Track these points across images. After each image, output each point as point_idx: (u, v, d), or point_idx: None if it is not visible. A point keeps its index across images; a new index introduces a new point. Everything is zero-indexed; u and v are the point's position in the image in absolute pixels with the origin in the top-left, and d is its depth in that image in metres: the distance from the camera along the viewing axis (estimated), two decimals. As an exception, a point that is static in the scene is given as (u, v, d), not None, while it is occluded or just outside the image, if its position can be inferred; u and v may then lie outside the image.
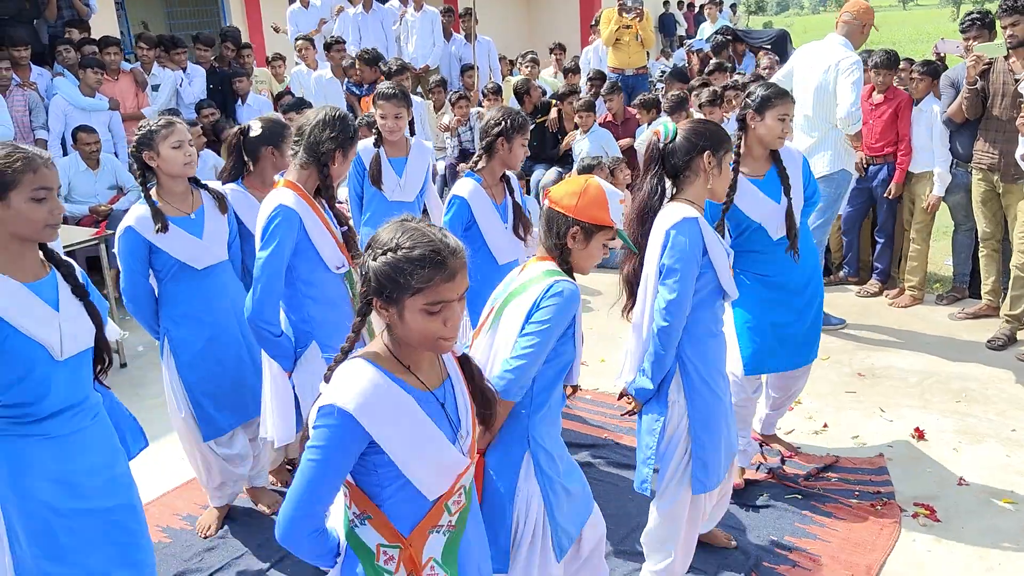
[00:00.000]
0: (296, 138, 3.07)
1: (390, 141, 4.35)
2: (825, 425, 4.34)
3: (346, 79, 8.49)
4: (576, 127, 7.80)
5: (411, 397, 1.81)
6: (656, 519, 2.99)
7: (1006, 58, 5.07)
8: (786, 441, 4.15)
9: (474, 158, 3.78)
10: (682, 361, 2.82)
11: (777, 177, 3.52)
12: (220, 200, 3.46)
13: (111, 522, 2.42)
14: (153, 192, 3.32)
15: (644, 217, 2.87)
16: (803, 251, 3.56)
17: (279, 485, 3.99)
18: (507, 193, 3.77)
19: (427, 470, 1.83)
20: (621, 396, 2.97)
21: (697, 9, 18.74)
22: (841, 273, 6.43)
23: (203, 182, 3.48)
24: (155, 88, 7.62)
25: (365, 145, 4.35)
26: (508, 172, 3.79)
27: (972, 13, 5.65)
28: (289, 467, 4.04)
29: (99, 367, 2.46)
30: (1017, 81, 4.97)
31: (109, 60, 7.32)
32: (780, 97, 3.49)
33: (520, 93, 8.66)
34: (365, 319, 1.88)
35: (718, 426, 2.87)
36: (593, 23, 10.29)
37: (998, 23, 5.26)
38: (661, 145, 2.88)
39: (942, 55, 6.10)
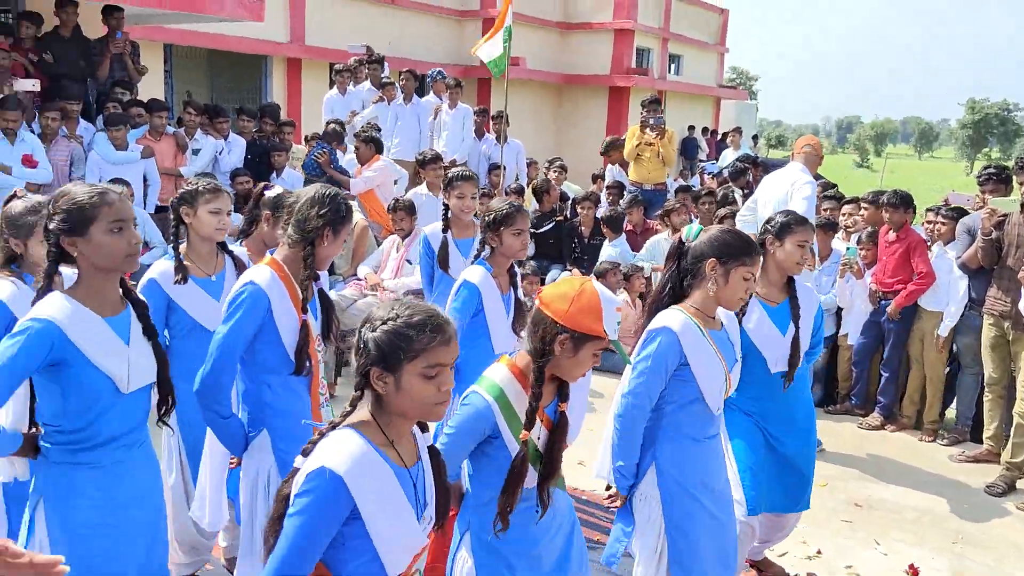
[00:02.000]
0: (287, 216, 2.96)
1: (460, 222, 4.47)
2: (819, 552, 4.31)
3: (308, 156, 8.58)
4: (594, 230, 8.08)
5: (391, 471, 1.88)
6: None
7: (1022, 211, 5.27)
8: (778, 565, 4.11)
9: (476, 246, 3.91)
10: (658, 461, 2.85)
11: (789, 308, 3.55)
12: (241, 268, 3.53)
13: (142, 550, 2.49)
14: (181, 248, 3.43)
15: (652, 312, 2.94)
16: (799, 396, 3.61)
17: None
18: (511, 287, 3.83)
19: (395, 545, 1.88)
20: (608, 488, 3.00)
21: (720, 136, 19.33)
22: (848, 403, 6.47)
23: (230, 248, 3.58)
24: (195, 152, 7.88)
25: (434, 229, 4.52)
26: (515, 267, 3.87)
27: (990, 167, 6.00)
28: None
29: (163, 408, 2.55)
30: None
31: (156, 123, 7.61)
32: (800, 224, 3.56)
33: (539, 192, 8.92)
34: (363, 393, 1.91)
35: (698, 533, 2.83)
36: (603, 151, 10.69)
37: (1014, 178, 5.60)
38: (684, 244, 2.96)
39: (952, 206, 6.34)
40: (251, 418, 2.95)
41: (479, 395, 2.32)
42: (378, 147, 7.50)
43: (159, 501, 2.62)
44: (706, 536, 2.86)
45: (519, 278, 3.95)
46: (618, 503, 2.95)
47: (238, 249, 3.68)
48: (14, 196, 3.03)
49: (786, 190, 5.61)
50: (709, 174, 11.55)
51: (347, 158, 8.79)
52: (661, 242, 7.65)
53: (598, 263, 7.45)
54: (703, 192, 8.22)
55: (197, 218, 3.39)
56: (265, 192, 3.70)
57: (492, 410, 2.30)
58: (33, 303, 2.35)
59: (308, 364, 2.91)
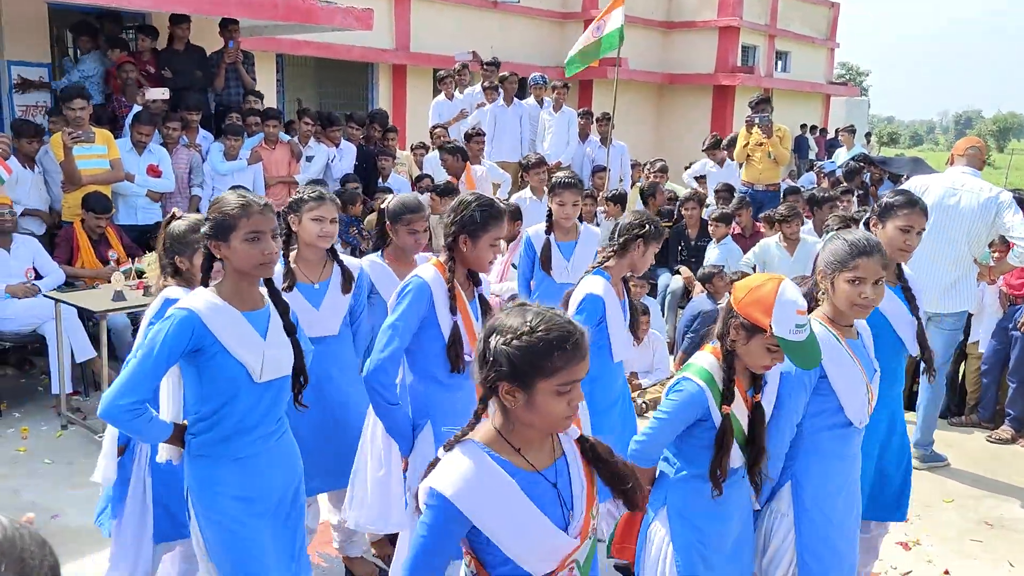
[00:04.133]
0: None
1: (562, 227, 4.48)
2: (946, 572, 4.08)
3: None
4: (700, 232, 7.91)
5: (514, 481, 1.82)
6: None
7: None
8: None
9: (604, 253, 3.77)
10: (796, 479, 2.75)
11: (901, 295, 3.34)
12: (348, 279, 3.59)
13: (280, 540, 2.64)
14: (292, 255, 3.52)
15: None
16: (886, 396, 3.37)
17: (381, 559, 3.96)
18: (626, 295, 3.77)
19: (529, 552, 1.84)
20: None
21: (831, 135, 18.72)
22: (974, 416, 6.12)
23: (341, 258, 3.63)
24: (309, 159, 8.11)
25: (537, 231, 4.53)
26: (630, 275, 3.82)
27: None
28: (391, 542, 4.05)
29: (296, 389, 2.69)
30: None
31: (269, 132, 7.87)
32: (907, 206, 3.33)
33: (645, 196, 8.81)
34: (487, 405, 1.87)
35: (829, 558, 2.73)
36: (709, 146, 10.42)
37: None
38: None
39: None
40: (416, 410, 3.11)
41: (691, 380, 2.48)
42: (464, 156, 7.56)
43: (299, 493, 2.74)
44: (836, 562, 2.76)
45: (629, 282, 3.90)
46: None
47: (350, 259, 3.74)
48: (174, 217, 3.23)
49: (983, 203, 5.00)
50: (828, 173, 11.10)
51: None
52: (772, 247, 7.41)
53: (703, 267, 7.28)
54: (824, 196, 7.82)
55: (302, 226, 3.48)
56: (384, 205, 3.78)
57: (705, 394, 2.48)
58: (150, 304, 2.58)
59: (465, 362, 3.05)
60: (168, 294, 3.06)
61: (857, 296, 2.69)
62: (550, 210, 4.49)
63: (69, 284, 6.05)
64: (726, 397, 2.47)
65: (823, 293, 2.80)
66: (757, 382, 2.57)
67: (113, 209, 6.62)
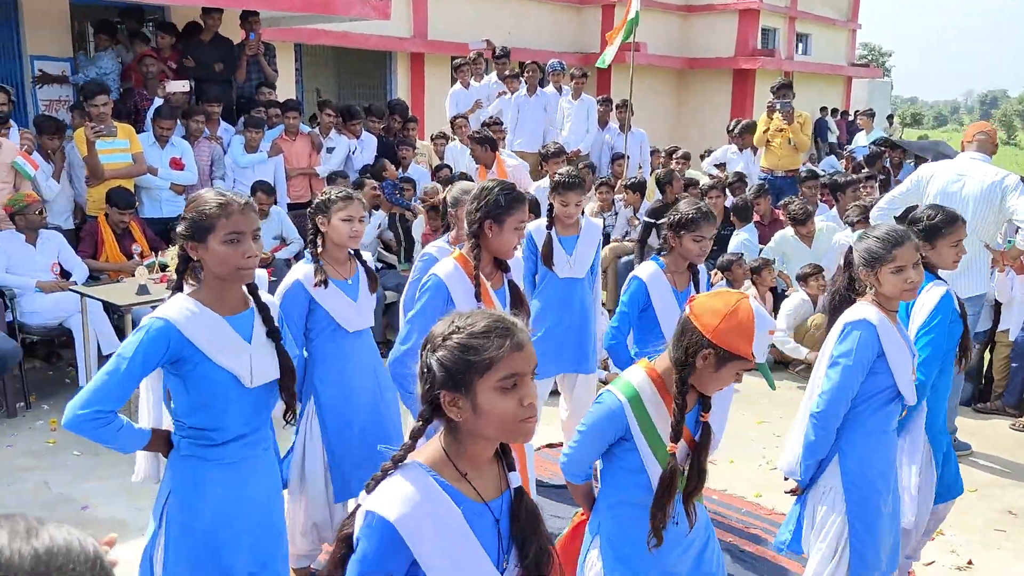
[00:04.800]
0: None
1: (564, 222, 4.44)
2: (970, 562, 4.07)
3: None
4: (725, 220, 7.89)
5: (458, 510, 1.65)
6: None
7: None
8: None
9: (660, 241, 3.87)
10: (843, 452, 2.90)
11: None
12: (372, 279, 3.64)
13: (256, 556, 2.54)
14: (320, 253, 3.54)
15: (835, 312, 3.05)
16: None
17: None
18: (691, 283, 3.75)
19: None
20: (787, 479, 3.09)
21: (852, 117, 18.52)
22: (999, 402, 6.08)
23: (362, 256, 3.67)
24: (329, 151, 8.13)
25: (538, 225, 4.51)
26: (698, 265, 3.79)
27: None
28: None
29: (288, 413, 2.59)
30: None
31: (289, 123, 7.90)
32: (951, 224, 3.38)
33: (662, 184, 8.78)
34: (427, 425, 1.69)
35: (875, 523, 2.88)
36: (736, 133, 10.28)
37: None
38: (850, 250, 3.05)
39: None
40: None
41: (612, 394, 2.28)
42: (492, 146, 7.52)
43: (278, 504, 2.67)
44: (884, 530, 2.90)
45: (703, 275, 3.85)
46: (796, 491, 3.06)
47: (368, 255, 3.80)
48: None
49: (988, 187, 4.98)
50: (848, 155, 10.97)
51: (470, 152, 8.89)
52: (788, 239, 7.38)
53: (723, 255, 7.27)
54: (846, 181, 7.78)
55: (332, 226, 3.48)
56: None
57: (624, 410, 2.26)
58: (164, 302, 2.44)
59: None
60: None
61: (903, 283, 2.86)
62: (551, 205, 4.46)
63: (94, 278, 6.14)
64: (676, 433, 2.21)
65: (870, 288, 2.94)
66: (706, 401, 2.31)
67: (137, 203, 6.69)
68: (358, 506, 1.66)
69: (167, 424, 2.58)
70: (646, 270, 3.71)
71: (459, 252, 3.15)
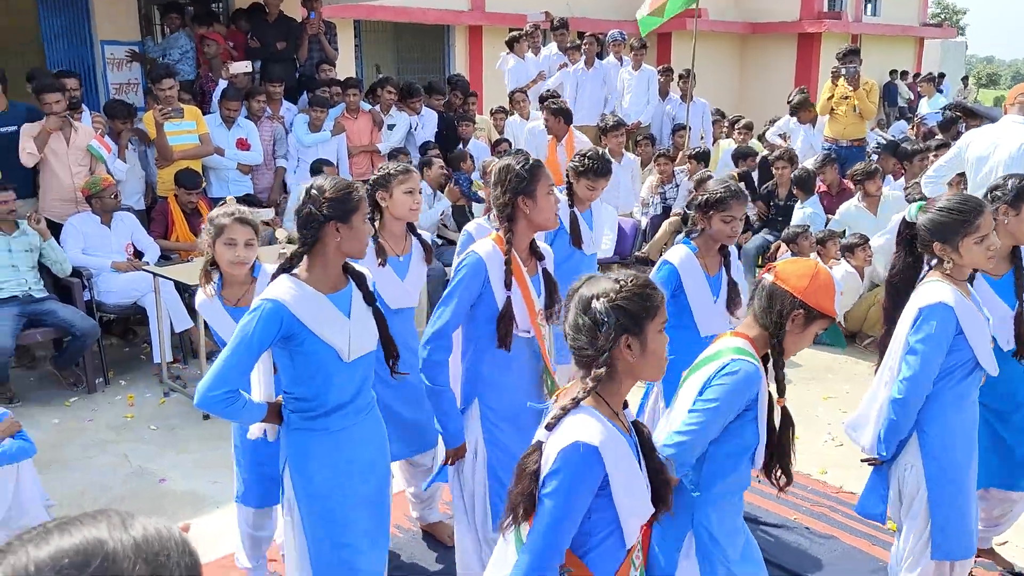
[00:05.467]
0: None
1: (582, 201, 4.35)
2: (1045, 542, 3.97)
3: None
4: (792, 191, 7.73)
5: (625, 440, 1.94)
6: None
7: None
8: (1003, 558, 3.81)
9: (690, 224, 3.72)
10: (921, 429, 2.89)
11: (1013, 279, 3.34)
12: (428, 251, 3.68)
13: (370, 511, 2.75)
14: (377, 230, 3.56)
15: (896, 291, 3.03)
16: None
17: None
18: (722, 267, 3.63)
19: (634, 512, 1.94)
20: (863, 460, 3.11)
21: (923, 78, 17.87)
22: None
23: (417, 231, 3.69)
24: (390, 128, 8.18)
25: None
26: (729, 246, 3.67)
27: None
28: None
29: (391, 360, 2.78)
30: None
31: (349, 100, 7.97)
32: None
33: (735, 157, 8.65)
34: (605, 372, 1.93)
35: (958, 493, 2.87)
36: (792, 107, 9.91)
37: None
38: (911, 227, 2.99)
39: None
40: (465, 387, 3.08)
41: (743, 361, 2.22)
42: (567, 119, 7.44)
43: (385, 467, 2.86)
44: (968, 504, 2.89)
45: (734, 257, 3.73)
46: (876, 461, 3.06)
47: (426, 232, 3.81)
48: (224, 201, 3.38)
49: (1015, 151, 4.91)
50: (919, 121, 10.55)
51: (529, 125, 8.86)
52: (852, 210, 7.20)
53: (788, 227, 7.13)
54: (914, 149, 7.54)
55: (393, 200, 3.50)
56: None
57: (760, 375, 2.25)
58: (272, 278, 2.63)
59: (515, 338, 2.99)
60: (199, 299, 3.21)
61: (986, 251, 2.85)
62: (571, 184, 4.30)
63: (166, 257, 6.32)
64: (781, 389, 2.31)
65: (948, 263, 2.89)
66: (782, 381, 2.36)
67: (203, 183, 6.85)
68: (539, 442, 1.92)
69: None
70: (677, 255, 3.55)
71: (496, 233, 3.07)
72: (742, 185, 4.17)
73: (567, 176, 4.34)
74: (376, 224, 3.55)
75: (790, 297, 2.28)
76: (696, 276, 3.55)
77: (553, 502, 1.85)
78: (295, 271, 2.60)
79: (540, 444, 1.92)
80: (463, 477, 3.11)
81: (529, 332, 3.04)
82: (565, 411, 1.93)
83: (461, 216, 7.51)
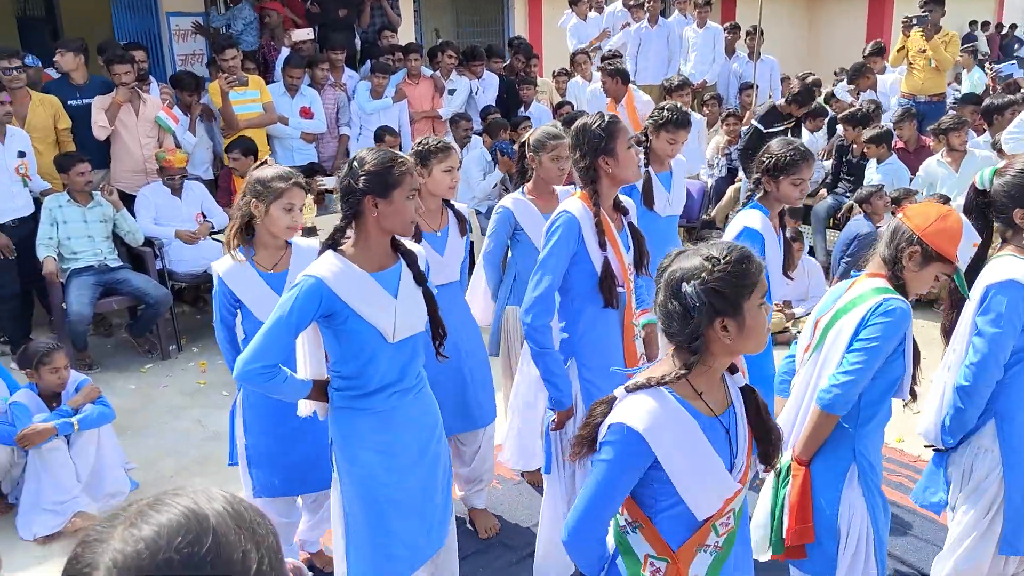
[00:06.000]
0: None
1: (660, 159, 4.26)
2: None
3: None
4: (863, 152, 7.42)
5: (696, 422, 1.88)
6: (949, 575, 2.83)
7: None
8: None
9: (750, 187, 3.58)
10: (1000, 415, 2.66)
11: None
12: (462, 222, 3.61)
13: (421, 492, 2.68)
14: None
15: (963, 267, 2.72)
16: None
17: (532, 485, 4.07)
18: (780, 228, 3.54)
19: (701, 492, 1.89)
20: (926, 447, 2.91)
21: (1005, 30, 17.07)
22: None
23: (452, 203, 3.62)
24: (451, 93, 8.12)
25: None
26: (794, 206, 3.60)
27: None
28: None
29: (437, 341, 2.71)
30: None
31: (411, 66, 7.92)
32: None
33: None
34: (696, 354, 1.87)
35: None
36: (850, 77, 9.44)
37: None
38: (983, 195, 2.75)
39: None
40: (563, 347, 3.06)
41: (896, 299, 2.35)
42: (625, 79, 7.26)
43: (437, 446, 2.77)
44: None
45: (786, 216, 3.65)
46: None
47: (461, 205, 3.72)
48: (264, 163, 3.24)
49: None
50: (1002, 76, 10.01)
51: (591, 87, 8.70)
52: (934, 166, 6.89)
53: (862, 187, 6.87)
54: (1005, 102, 7.12)
55: (432, 178, 3.44)
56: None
57: (910, 314, 2.36)
58: (319, 254, 2.54)
59: (619, 297, 2.98)
60: (219, 268, 3.08)
61: None
62: (648, 141, 4.21)
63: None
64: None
65: (1020, 231, 2.67)
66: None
67: (259, 152, 6.83)
68: (614, 398, 1.92)
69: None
70: (758, 221, 3.39)
71: (581, 192, 3.03)
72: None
73: (644, 134, 4.25)
74: None
75: (909, 233, 2.38)
76: (773, 241, 3.44)
77: (598, 472, 1.89)
78: (342, 247, 2.53)
79: (613, 400, 1.93)
80: (561, 432, 3.08)
81: (623, 287, 3.03)
82: (639, 387, 1.90)
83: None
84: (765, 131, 7.01)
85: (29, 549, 3.79)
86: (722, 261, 1.81)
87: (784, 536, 2.50)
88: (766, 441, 1.99)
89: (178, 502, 0.89)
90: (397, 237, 2.60)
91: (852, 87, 9.30)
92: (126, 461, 4.31)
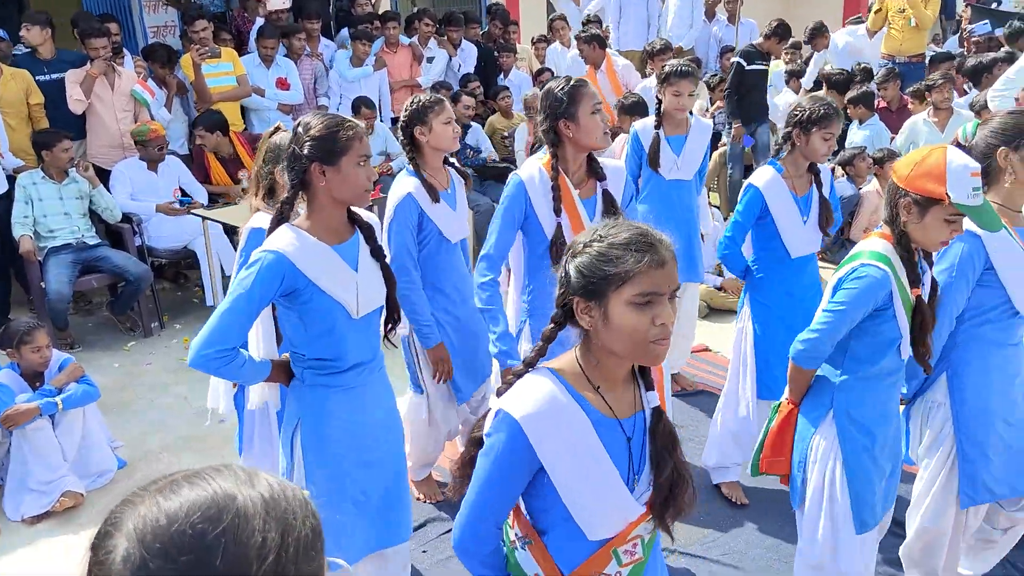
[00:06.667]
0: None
1: (673, 120, 4.27)
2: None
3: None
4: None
5: (588, 419, 1.63)
6: (917, 531, 2.86)
7: None
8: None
9: (775, 146, 3.65)
10: (953, 368, 2.69)
11: None
12: (465, 177, 3.61)
13: (383, 475, 2.61)
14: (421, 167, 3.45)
15: None
16: None
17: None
18: (812, 185, 3.51)
19: (592, 505, 1.65)
20: None
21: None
22: None
23: (450, 160, 3.59)
24: (429, 61, 8.01)
25: (644, 125, 4.34)
26: (819, 165, 3.53)
27: None
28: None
29: (389, 325, 2.57)
30: None
31: (388, 34, 7.80)
32: None
33: (789, 78, 8.32)
34: (559, 330, 1.69)
35: (987, 442, 2.68)
36: (807, 39, 9.37)
37: None
38: (961, 147, 2.70)
39: None
40: (522, 311, 3.16)
41: (872, 266, 2.35)
42: (601, 44, 7.19)
43: (396, 424, 2.72)
44: (997, 448, 2.70)
45: (828, 175, 3.60)
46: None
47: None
48: (277, 129, 3.16)
49: None
50: (979, 37, 10.00)
51: (571, 53, 8.61)
52: (919, 125, 6.89)
53: (843, 149, 6.88)
54: (991, 60, 7.10)
55: (434, 133, 3.38)
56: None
57: (889, 278, 2.35)
58: (270, 230, 2.41)
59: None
60: (255, 223, 2.95)
61: None
62: (659, 101, 4.25)
63: (214, 200, 6.32)
64: (912, 280, 2.38)
65: (1009, 174, 2.62)
66: (915, 274, 2.43)
67: (233, 125, 6.72)
68: (489, 409, 1.71)
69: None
70: (763, 177, 3.43)
71: (547, 157, 3.01)
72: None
73: (656, 94, 4.28)
74: (418, 162, 3.43)
75: (895, 186, 2.36)
76: (783, 198, 3.43)
77: (479, 469, 1.68)
78: (297, 221, 2.39)
79: (489, 410, 1.72)
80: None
81: None
82: (516, 375, 1.71)
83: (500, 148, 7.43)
84: (747, 67, 7.15)
85: (17, 530, 3.76)
86: (601, 240, 1.60)
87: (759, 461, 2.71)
88: (667, 485, 1.66)
89: (213, 479, 0.90)
90: (352, 211, 2.48)
91: (809, 46, 9.27)
92: (112, 439, 4.27)
